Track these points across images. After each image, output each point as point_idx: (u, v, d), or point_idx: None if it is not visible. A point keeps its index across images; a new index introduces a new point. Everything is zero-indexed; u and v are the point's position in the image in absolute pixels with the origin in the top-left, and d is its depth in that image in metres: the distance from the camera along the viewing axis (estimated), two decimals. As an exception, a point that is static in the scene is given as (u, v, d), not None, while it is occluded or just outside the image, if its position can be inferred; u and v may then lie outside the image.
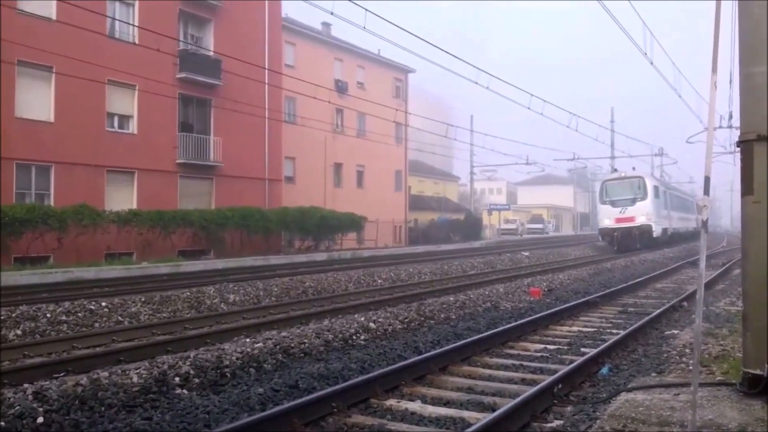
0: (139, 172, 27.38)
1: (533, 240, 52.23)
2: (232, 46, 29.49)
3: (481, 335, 8.25)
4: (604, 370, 6.65)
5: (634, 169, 34.92)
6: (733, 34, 5.81)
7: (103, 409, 5.48)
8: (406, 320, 9.75)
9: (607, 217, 31.86)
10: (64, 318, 10.29)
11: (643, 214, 30.84)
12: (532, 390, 5.51)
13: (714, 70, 4.52)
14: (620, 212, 31.17)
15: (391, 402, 5.73)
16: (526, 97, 22.03)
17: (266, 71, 29.96)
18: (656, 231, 31.28)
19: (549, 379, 5.89)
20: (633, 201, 31.17)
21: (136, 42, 26.45)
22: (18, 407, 5.17)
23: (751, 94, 4.88)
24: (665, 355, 7.11)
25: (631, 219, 30.86)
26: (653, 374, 6.19)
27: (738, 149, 5.01)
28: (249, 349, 7.29)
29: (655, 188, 32.18)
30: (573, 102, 33.27)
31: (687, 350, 6.97)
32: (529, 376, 6.64)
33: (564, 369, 6.34)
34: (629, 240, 30.91)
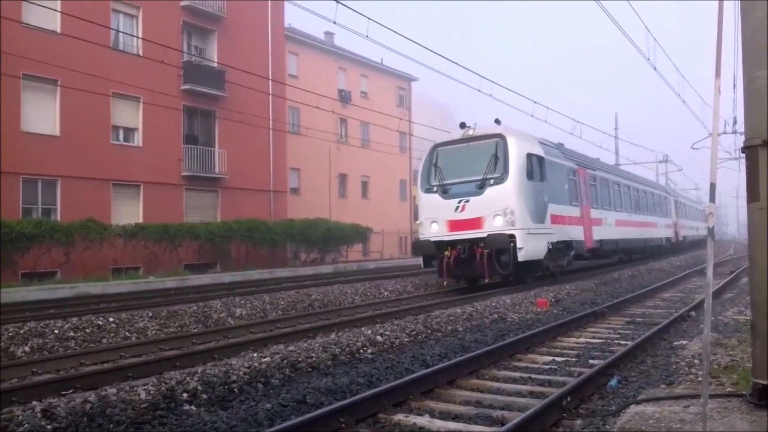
0: (144, 186, 27.50)
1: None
2: (235, 56, 29.67)
3: (488, 347, 8.21)
4: (613, 382, 6.60)
5: (498, 122, 17.12)
6: (736, 38, 5.80)
7: (111, 426, 5.47)
8: (413, 333, 9.72)
9: (434, 219, 16.59)
10: (71, 334, 10.30)
11: (497, 211, 15.62)
12: (541, 403, 5.47)
13: (717, 74, 4.50)
14: (457, 209, 16.19)
15: (399, 416, 5.71)
16: (530, 104, 21.94)
17: (270, 82, 30.11)
18: (527, 248, 15.59)
19: (558, 391, 5.85)
20: (481, 185, 16.02)
21: (140, 54, 26.66)
22: (26, 425, 5.17)
23: (755, 99, 4.83)
24: (674, 366, 7.06)
25: (476, 222, 15.91)
26: (662, 386, 6.15)
27: (743, 155, 4.98)
28: (256, 364, 7.27)
29: (534, 159, 16.77)
30: (576, 108, 32.62)
31: (696, 361, 6.92)
32: (537, 388, 6.61)
33: (573, 381, 6.30)
34: (472, 265, 15.80)
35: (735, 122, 27.11)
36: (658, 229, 31.22)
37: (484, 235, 15.62)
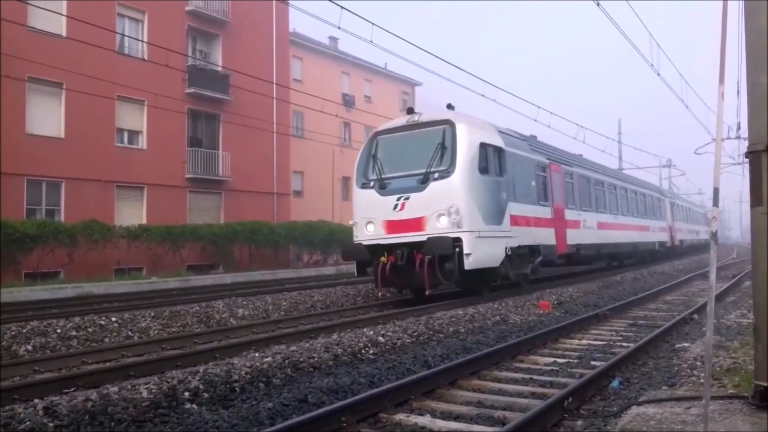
0: (148, 187, 27.57)
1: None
2: (240, 60, 29.77)
3: (490, 349, 8.21)
4: (615, 383, 6.60)
5: (451, 107, 15.34)
6: (740, 44, 5.80)
7: (113, 424, 5.48)
8: (414, 334, 9.72)
9: (370, 220, 14.15)
10: (74, 333, 10.32)
11: (441, 210, 13.25)
12: (542, 404, 5.47)
13: (721, 80, 4.52)
14: (395, 207, 13.77)
15: (401, 416, 5.71)
16: (533, 109, 21.93)
17: (274, 86, 30.18)
18: (476, 254, 13.22)
19: (559, 392, 5.85)
20: (424, 180, 13.62)
21: (145, 58, 26.75)
22: (28, 422, 5.18)
23: (758, 104, 4.84)
24: (676, 368, 7.05)
25: (417, 224, 13.51)
26: (664, 387, 6.14)
27: (746, 160, 4.98)
28: (258, 364, 7.28)
29: (489, 150, 14.39)
30: (577, 109, 32.32)
31: (698, 363, 6.91)
32: (539, 389, 6.60)
33: (574, 382, 6.29)
34: (412, 273, 13.39)
35: (739, 128, 27.14)
36: (651, 232, 28.73)
37: (425, 238, 13.22)
